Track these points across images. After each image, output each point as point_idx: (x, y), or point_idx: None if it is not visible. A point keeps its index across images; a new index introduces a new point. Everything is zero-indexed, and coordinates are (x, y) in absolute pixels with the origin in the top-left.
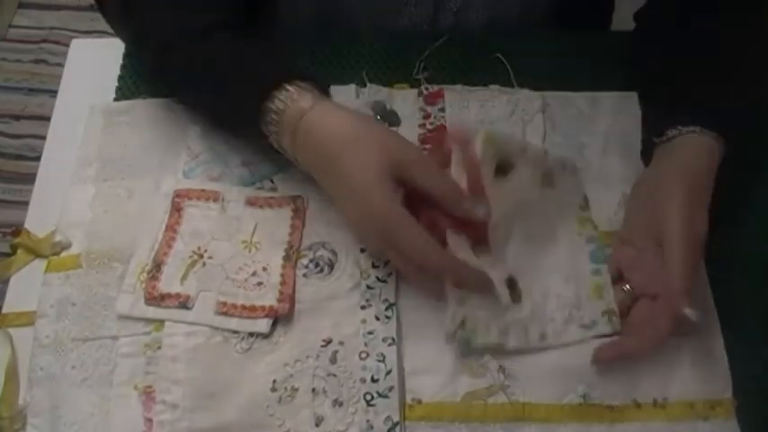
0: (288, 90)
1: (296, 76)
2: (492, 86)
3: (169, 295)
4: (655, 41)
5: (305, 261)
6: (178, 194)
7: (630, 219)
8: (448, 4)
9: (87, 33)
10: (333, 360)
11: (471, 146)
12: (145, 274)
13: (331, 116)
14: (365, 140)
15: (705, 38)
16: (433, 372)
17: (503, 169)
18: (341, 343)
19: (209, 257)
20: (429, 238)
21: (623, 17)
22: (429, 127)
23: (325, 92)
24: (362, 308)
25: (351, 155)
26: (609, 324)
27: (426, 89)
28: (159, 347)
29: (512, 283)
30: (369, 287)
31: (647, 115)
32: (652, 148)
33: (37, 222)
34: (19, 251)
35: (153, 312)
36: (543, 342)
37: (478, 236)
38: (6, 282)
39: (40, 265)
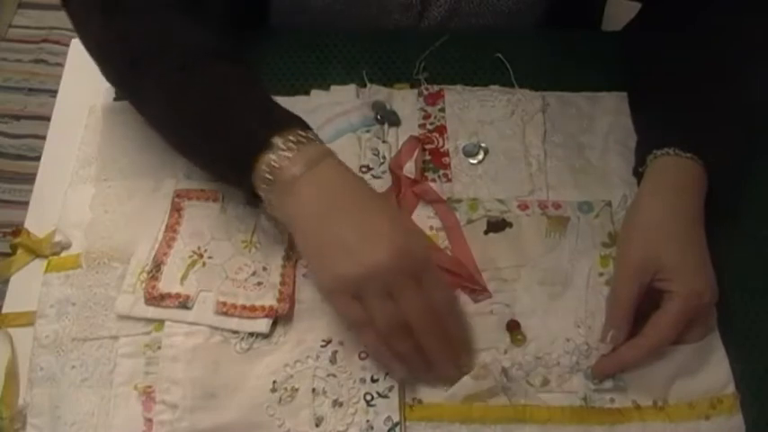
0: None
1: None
2: (492, 86)
3: (169, 295)
4: (637, 63)
5: (305, 261)
6: (178, 194)
7: (620, 253)
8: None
9: None
10: (333, 360)
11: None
12: (145, 274)
13: (347, 173)
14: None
15: (683, 61)
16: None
17: (497, 226)
18: (341, 343)
19: (209, 257)
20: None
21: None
22: (429, 127)
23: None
24: None
25: (380, 199)
26: (612, 380)
27: (426, 89)
28: (159, 347)
29: (513, 326)
30: None
31: (636, 146)
32: (640, 179)
33: (37, 222)
34: (19, 251)
35: (153, 312)
36: (545, 388)
37: (460, 282)
38: (6, 282)
39: (39, 265)
